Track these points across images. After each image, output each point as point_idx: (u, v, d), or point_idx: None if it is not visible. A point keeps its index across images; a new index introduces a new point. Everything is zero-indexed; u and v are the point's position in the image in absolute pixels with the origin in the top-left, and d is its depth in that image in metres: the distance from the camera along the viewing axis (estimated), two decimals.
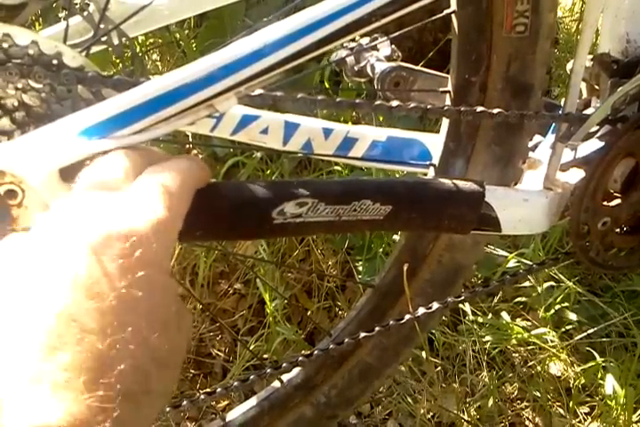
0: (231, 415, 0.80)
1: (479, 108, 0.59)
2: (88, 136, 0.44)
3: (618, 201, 0.68)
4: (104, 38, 0.58)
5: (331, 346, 0.68)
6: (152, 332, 0.30)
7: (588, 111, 0.69)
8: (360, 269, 1.14)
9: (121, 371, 0.28)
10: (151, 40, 1.54)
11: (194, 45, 1.44)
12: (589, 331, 1.06)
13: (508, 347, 1.06)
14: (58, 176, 0.45)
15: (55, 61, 0.49)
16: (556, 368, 1.06)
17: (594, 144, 0.69)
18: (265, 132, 0.74)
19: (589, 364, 1.02)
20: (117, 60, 1.34)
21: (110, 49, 0.63)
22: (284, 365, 0.67)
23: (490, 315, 1.09)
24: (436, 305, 0.68)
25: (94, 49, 0.61)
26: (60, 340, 0.28)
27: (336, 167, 1.20)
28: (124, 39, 0.61)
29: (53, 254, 0.31)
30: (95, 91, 0.51)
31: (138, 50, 1.44)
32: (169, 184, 0.36)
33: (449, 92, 0.66)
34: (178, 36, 1.47)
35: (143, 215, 0.33)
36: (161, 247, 0.33)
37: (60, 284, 0.30)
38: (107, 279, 0.30)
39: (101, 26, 0.58)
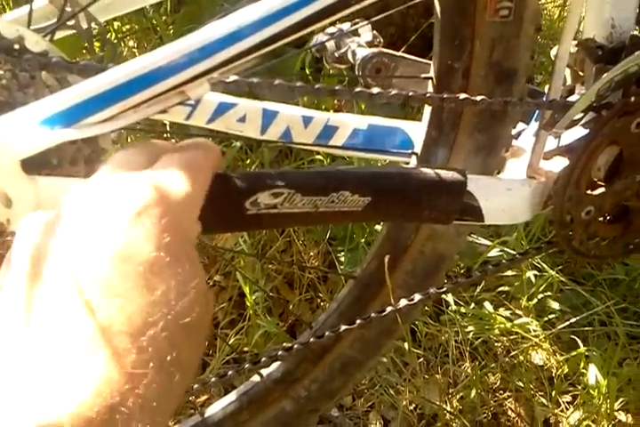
0: (210, 411, 0.79)
1: (462, 96, 0.57)
2: (51, 125, 0.42)
3: (602, 190, 0.67)
4: (71, 22, 0.55)
5: (311, 339, 0.67)
6: (181, 298, 0.30)
7: (573, 98, 0.67)
8: (342, 259, 1.13)
9: (153, 336, 0.28)
10: (127, 26, 1.50)
11: (171, 31, 1.41)
12: (572, 320, 1.06)
13: (491, 337, 1.06)
14: (20, 168, 0.43)
15: (17, 46, 0.47)
16: (538, 358, 1.06)
17: (578, 132, 0.67)
18: (242, 120, 0.71)
19: (572, 353, 1.02)
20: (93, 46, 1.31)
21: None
22: (263, 359, 0.66)
23: (472, 305, 1.08)
24: (417, 297, 0.67)
25: (61, 34, 0.58)
26: (94, 305, 0.28)
27: (317, 157, 1.18)
28: (93, 23, 0.58)
29: (87, 227, 0.31)
30: (60, 77, 0.49)
31: (113, 36, 1.41)
32: (190, 161, 0.37)
33: (431, 78, 0.65)
34: (155, 22, 1.44)
35: (170, 188, 0.34)
36: (187, 219, 0.35)
37: (96, 252, 0.30)
38: (136, 244, 0.30)
39: (68, 9, 0.55)
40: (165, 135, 1.24)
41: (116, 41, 1.42)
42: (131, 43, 1.53)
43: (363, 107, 1.26)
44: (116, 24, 1.46)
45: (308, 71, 1.27)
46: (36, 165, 0.46)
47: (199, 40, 0.43)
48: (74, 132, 0.41)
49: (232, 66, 0.44)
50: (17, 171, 0.43)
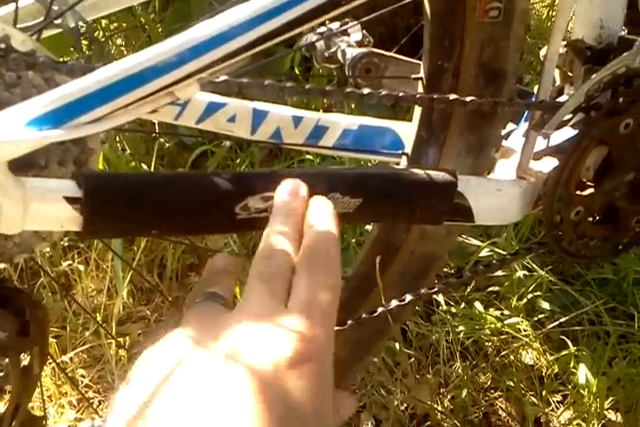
0: None
1: (452, 96, 0.57)
2: (39, 126, 0.41)
3: (591, 190, 0.67)
4: (58, 21, 0.54)
5: None
6: None
7: (562, 99, 0.68)
8: None
9: None
10: (115, 24, 1.49)
11: (160, 30, 1.40)
12: (562, 319, 1.06)
13: (482, 337, 1.06)
14: (6, 169, 0.42)
15: (3, 45, 0.46)
16: (528, 357, 1.07)
17: (567, 132, 0.68)
18: (232, 120, 0.71)
19: (562, 352, 1.03)
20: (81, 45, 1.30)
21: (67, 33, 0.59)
22: None
23: (463, 304, 1.09)
24: (409, 297, 0.67)
25: (48, 33, 0.57)
26: None
27: (307, 156, 1.18)
28: (80, 22, 0.58)
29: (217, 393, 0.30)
30: (47, 77, 0.48)
31: (101, 35, 1.40)
32: (325, 299, 0.35)
33: (421, 78, 0.65)
34: (143, 20, 1.43)
35: (304, 340, 0.33)
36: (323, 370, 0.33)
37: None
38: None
39: (54, 7, 0.54)
40: (154, 135, 1.23)
41: (103, 39, 1.41)
42: (119, 41, 1.52)
43: (352, 106, 1.26)
44: (103, 22, 1.45)
45: (297, 70, 1.27)
46: (22, 165, 0.45)
47: (188, 40, 0.42)
48: (62, 133, 0.41)
49: (222, 66, 0.44)
50: (4, 172, 0.42)
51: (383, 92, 0.55)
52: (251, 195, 0.46)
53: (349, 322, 0.67)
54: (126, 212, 0.45)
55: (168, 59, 0.42)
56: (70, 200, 0.43)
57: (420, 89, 0.66)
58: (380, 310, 0.67)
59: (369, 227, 1.12)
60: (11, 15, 0.53)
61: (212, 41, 0.42)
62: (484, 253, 1.11)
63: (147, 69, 0.42)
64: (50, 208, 0.44)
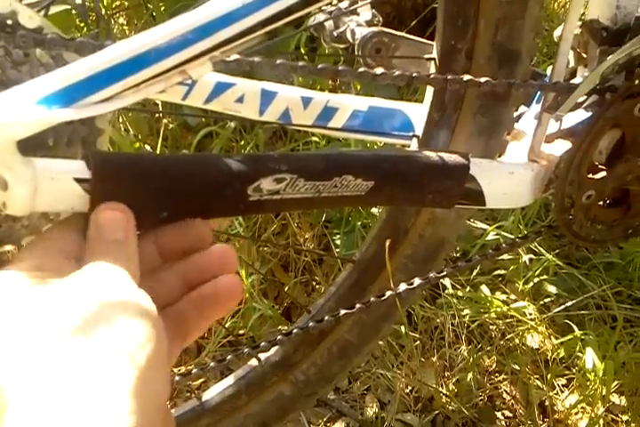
0: (208, 395, 0.78)
1: (466, 77, 0.56)
2: (48, 105, 0.40)
3: (603, 174, 0.66)
4: None
5: (310, 324, 0.66)
6: None
7: (576, 80, 0.66)
8: (338, 242, 1.12)
9: None
10: (117, 3, 1.47)
11: (162, 8, 1.38)
12: (568, 303, 1.06)
13: (487, 320, 1.06)
14: (16, 149, 0.41)
15: (9, 21, 0.45)
16: (534, 341, 1.07)
17: (580, 115, 0.67)
18: (240, 100, 0.70)
19: (568, 336, 1.02)
20: (82, 24, 1.28)
21: (73, 10, 0.58)
22: (263, 344, 0.65)
23: (468, 288, 1.08)
24: (417, 281, 0.67)
25: (55, 9, 0.56)
26: None
27: (313, 138, 1.17)
28: None
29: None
30: (55, 55, 0.47)
31: (103, 13, 1.37)
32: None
33: (434, 59, 0.63)
34: None
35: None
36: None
37: None
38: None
39: None
40: (158, 115, 1.22)
41: (105, 18, 1.38)
42: (121, 20, 1.50)
43: (358, 87, 1.24)
44: (105, 0, 1.43)
45: (303, 51, 1.25)
46: (31, 146, 0.45)
47: (201, 17, 0.41)
48: (72, 112, 0.40)
49: (235, 44, 0.43)
50: (13, 152, 0.41)
51: (396, 73, 0.53)
52: (263, 176, 0.45)
53: (357, 305, 0.67)
54: (136, 193, 0.44)
55: (181, 36, 0.41)
56: (80, 181, 0.43)
57: (432, 69, 0.65)
58: (388, 293, 0.67)
59: (375, 209, 1.12)
60: None
61: (226, 18, 0.41)
62: (490, 236, 1.10)
63: (159, 47, 0.41)
64: (60, 189, 0.43)
